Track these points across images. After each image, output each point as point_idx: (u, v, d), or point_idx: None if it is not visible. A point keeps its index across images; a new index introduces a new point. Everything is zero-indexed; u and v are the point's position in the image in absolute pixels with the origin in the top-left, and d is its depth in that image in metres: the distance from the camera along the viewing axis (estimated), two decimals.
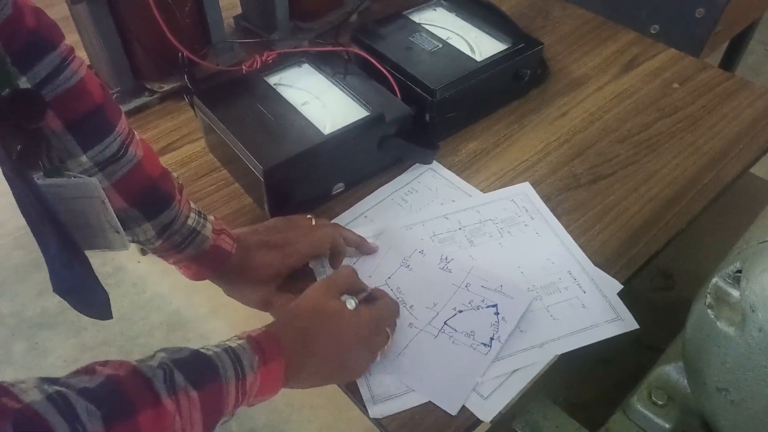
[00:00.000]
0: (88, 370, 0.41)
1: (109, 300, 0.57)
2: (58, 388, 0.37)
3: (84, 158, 0.53)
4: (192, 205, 0.63)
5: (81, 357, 1.54)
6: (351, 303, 0.58)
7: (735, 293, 0.49)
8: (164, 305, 1.64)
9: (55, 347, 1.56)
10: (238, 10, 1.03)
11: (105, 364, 0.42)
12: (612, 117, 0.88)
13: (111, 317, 0.59)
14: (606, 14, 1.06)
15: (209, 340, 0.49)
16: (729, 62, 1.36)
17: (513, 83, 0.88)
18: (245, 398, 0.48)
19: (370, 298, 0.62)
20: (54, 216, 0.50)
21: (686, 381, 0.60)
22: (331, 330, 0.57)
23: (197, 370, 0.45)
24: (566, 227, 0.74)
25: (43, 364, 1.53)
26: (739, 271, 0.48)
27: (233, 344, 0.49)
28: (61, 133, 0.52)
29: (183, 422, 0.43)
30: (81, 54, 0.88)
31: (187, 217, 0.61)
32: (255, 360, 0.49)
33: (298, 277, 0.68)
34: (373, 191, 0.78)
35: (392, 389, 0.60)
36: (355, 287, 0.62)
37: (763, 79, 2.11)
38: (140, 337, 1.58)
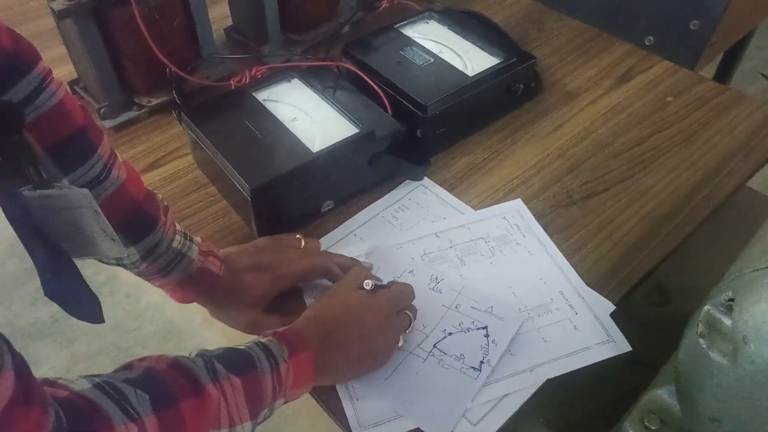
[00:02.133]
0: (126, 366, 0.43)
1: (100, 305, 0.59)
2: (105, 378, 0.39)
3: (65, 181, 0.52)
4: (178, 226, 0.62)
5: (74, 367, 1.53)
6: (368, 283, 0.61)
7: (727, 322, 0.48)
8: (158, 315, 1.63)
9: (48, 357, 1.55)
10: (229, 22, 1.02)
11: (142, 359, 0.44)
12: (606, 131, 0.87)
13: (103, 321, 0.60)
14: (601, 25, 1.05)
15: None
16: (724, 74, 1.35)
17: (506, 97, 0.87)
18: (282, 389, 0.51)
19: (384, 286, 0.65)
20: (40, 227, 0.50)
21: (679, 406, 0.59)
22: (353, 317, 0.60)
23: (234, 360, 0.48)
24: (558, 245, 0.73)
25: (36, 375, 1.51)
26: (732, 300, 0.47)
27: (262, 339, 0.52)
28: (41, 157, 0.51)
29: (230, 408, 0.45)
30: (68, 67, 0.89)
31: (172, 239, 0.60)
32: (284, 350, 0.52)
33: (286, 299, 0.67)
34: (363, 208, 0.77)
35: (380, 415, 0.59)
36: (369, 279, 0.64)
37: (760, 86, 2.09)
38: (134, 347, 1.57)
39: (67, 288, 0.52)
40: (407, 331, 0.62)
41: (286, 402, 0.53)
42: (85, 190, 0.50)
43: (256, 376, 0.48)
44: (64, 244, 0.52)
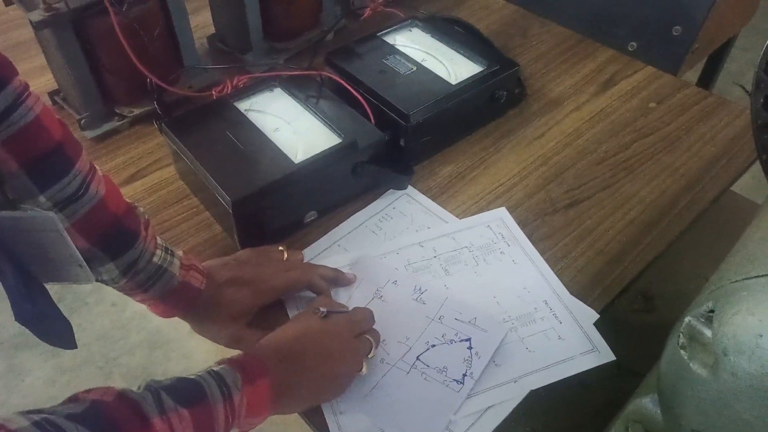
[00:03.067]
0: (72, 399, 0.42)
1: (72, 330, 0.58)
2: (44, 415, 0.37)
3: (42, 198, 0.51)
4: (159, 240, 0.61)
5: (60, 378, 1.51)
6: (322, 311, 0.61)
7: (708, 333, 0.47)
8: (145, 324, 1.61)
9: (33, 368, 1.53)
10: (212, 30, 1.02)
11: (89, 391, 0.43)
12: (589, 138, 0.87)
13: (75, 347, 0.59)
14: (584, 31, 1.05)
15: (191, 360, 0.49)
16: (708, 78, 1.36)
17: (489, 105, 0.87)
18: (235, 419, 0.49)
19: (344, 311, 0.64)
20: (9, 248, 0.49)
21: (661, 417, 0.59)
22: (311, 340, 0.59)
23: (184, 391, 0.46)
24: (542, 254, 0.73)
25: (21, 385, 1.50)
26: (712, 311, 0.47)
27: (215, 368, 0.51)
28: (17, 173, 0.50)
29: None
30: (48, 77, 0.88)
31: (153, 254, 0.59)
32: (238, 379, 0.50)
33: (270, 312, 0.66)
34: (346, 218, 0.77)
35: (363, 428, 0.58)
36: (333, 308, 0.63)
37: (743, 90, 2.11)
38: (121, 356, 1.55)
39: (39, 312, 0.51)
40: (369, 356, 0.61)
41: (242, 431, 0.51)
42: (51, 214, 0.49)
43: (207, 407, 0.47)
44: (32, 267, 0.51)
